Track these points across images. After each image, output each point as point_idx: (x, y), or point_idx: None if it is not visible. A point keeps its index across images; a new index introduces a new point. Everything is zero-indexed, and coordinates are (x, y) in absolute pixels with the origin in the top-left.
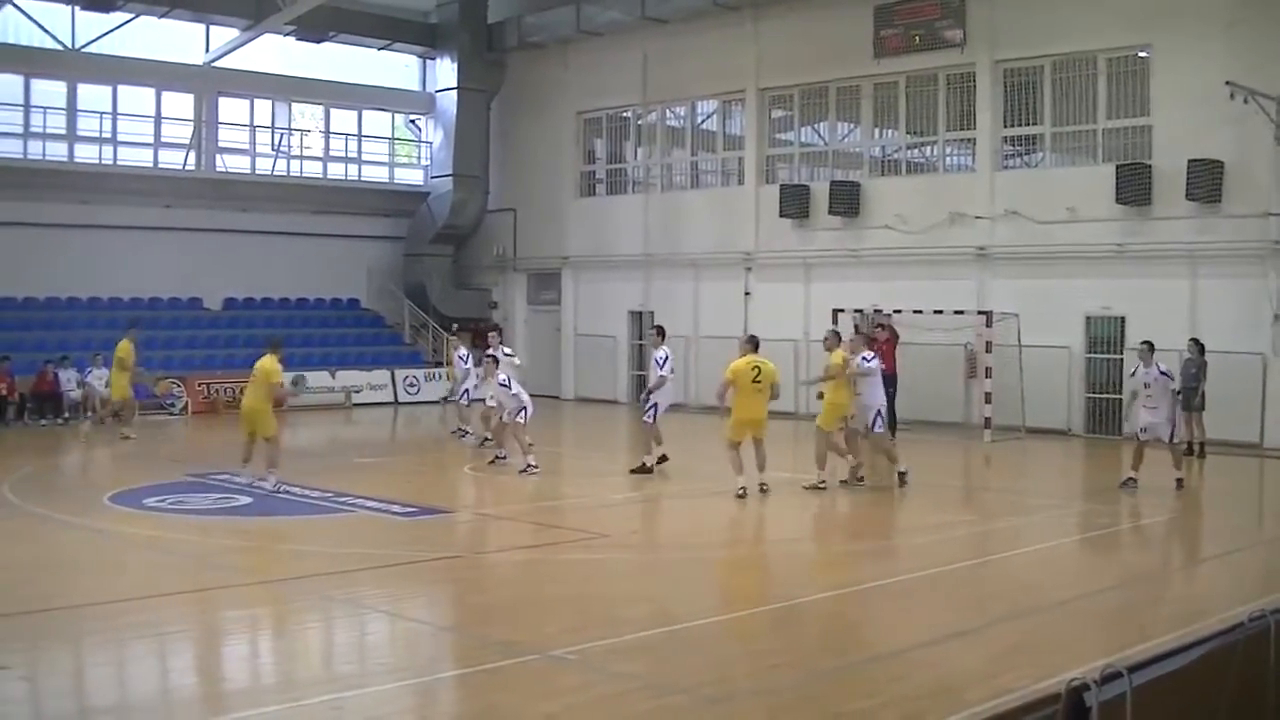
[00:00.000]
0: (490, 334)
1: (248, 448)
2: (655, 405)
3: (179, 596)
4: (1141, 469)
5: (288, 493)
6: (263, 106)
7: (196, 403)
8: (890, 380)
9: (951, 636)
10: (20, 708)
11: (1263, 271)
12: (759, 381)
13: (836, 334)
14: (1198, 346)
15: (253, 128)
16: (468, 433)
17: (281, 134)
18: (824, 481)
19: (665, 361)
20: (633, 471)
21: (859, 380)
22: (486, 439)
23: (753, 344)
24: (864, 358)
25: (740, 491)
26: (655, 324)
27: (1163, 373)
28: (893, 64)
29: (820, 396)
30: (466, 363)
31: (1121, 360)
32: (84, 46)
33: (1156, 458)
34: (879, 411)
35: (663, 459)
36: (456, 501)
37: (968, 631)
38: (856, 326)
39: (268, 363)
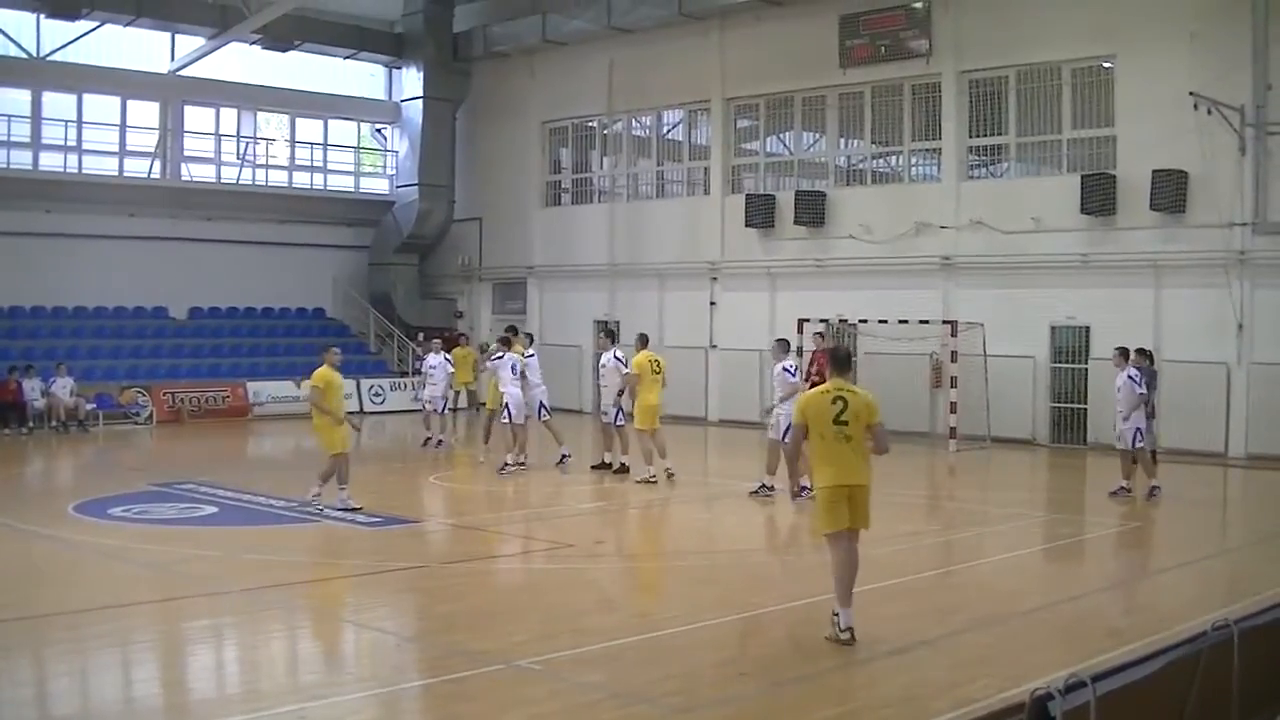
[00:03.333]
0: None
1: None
2: (619, 408)
3: (143, 606)
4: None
5: (253, 502)
6: (228, 115)
7: (161, 412)
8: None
9: (917, 646)
10: None
11: (1226, 281)
12: (844, 422)
13: (784, 342)
14: (1145, 356)
15: (218, 136)
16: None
17: (247, 143)
18: (654, 477)
19: (627, 363)
20: (616, 470)
21: (782, 388)
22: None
23: (644, 341)
24: (785, 367)
25: (843, 635)
26: (607, 328)
27: (1129, 377)
28: (858, 74)
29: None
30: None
31: (1087, 370)
32: (49, 54)
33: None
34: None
35: (605, 465)
36: (422, 511)
37: (933, 640)
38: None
39: (319, 370)
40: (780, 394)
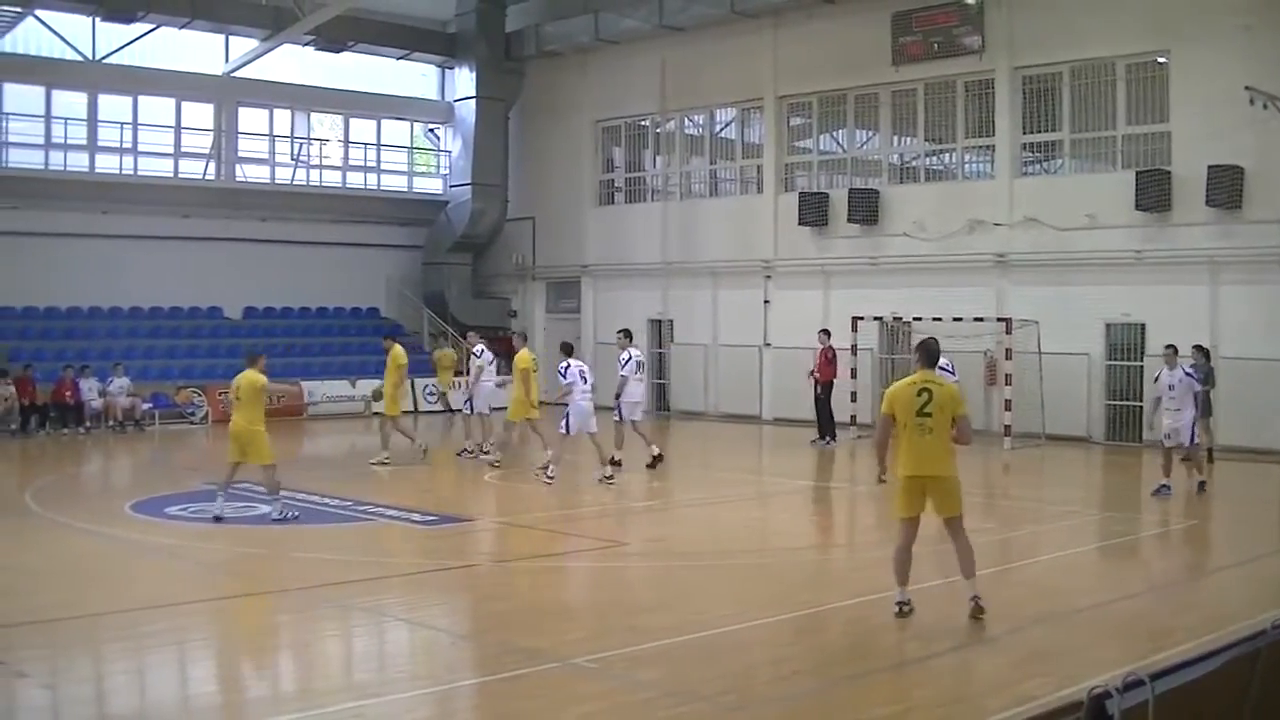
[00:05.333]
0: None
1: (233, 472)
2: (619, 406)
3: (199, 605)
4: (1173, 474)
5: (308, 501)
6: (282, 116)
7: (217, 412)
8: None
9: (972, 644)
10: (40, 715)
11: None
12: (927, 414)
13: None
14: (1203, 353)
15: (272, 137)
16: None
17: (301, 143)
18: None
19: (626, 363)
20: (648, 466)
21: None
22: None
23: (523, 339)
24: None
25: (900, 608)
26: (622, 328)
27: (1187, 373)
28: (911, 71)
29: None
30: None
31: (1142, 367)
32: (105, 57)
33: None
34: None
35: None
36: (476, 510)
37: (989, 639)
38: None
39: (252, 376)
40: None
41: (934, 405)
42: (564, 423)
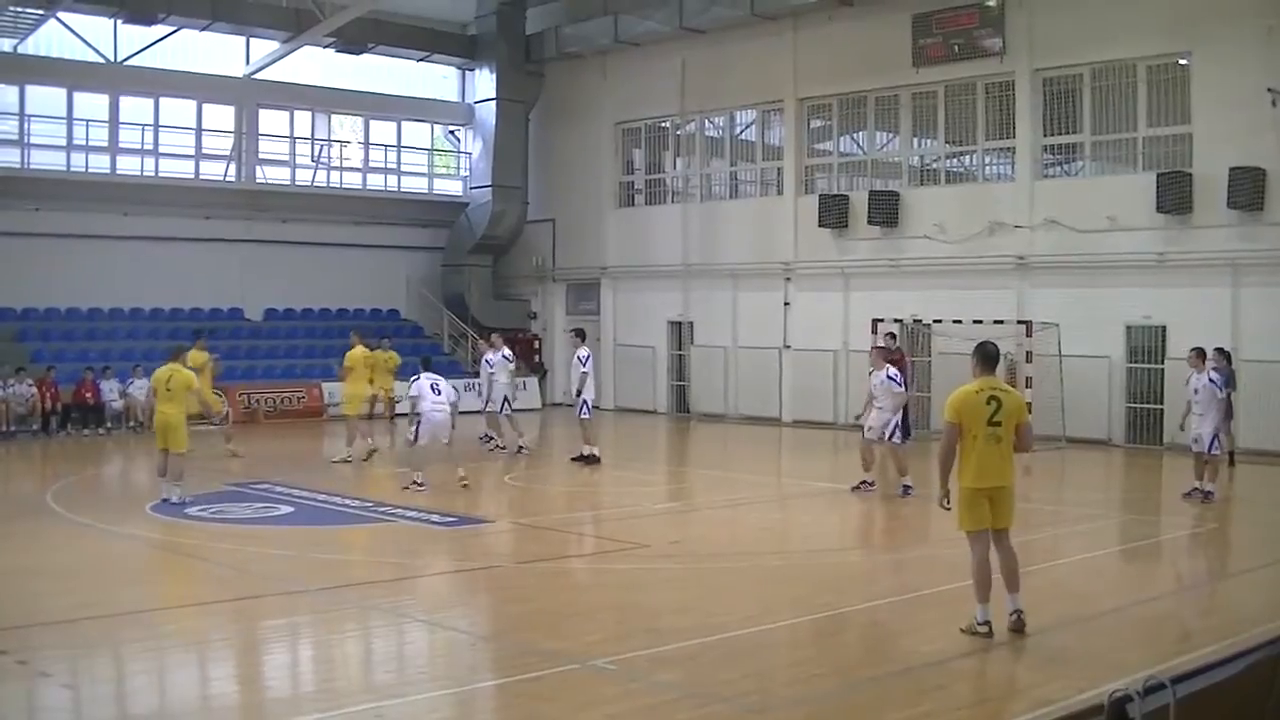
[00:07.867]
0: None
1: (165, 461)
2: (586, 402)
3: (219, 605)
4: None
5: (327, 502)
6: (303, 118)
7: (237, 413)
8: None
9: (993, 647)
10: (61, 715)
11: None
12: (998, 423)
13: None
14: (1224, 356)
15: (293, 139)
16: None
17: (321, 145)
18: (350, 458)
19: (587, 360)
20: (573, 460)
21: (886, 398)
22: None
23: (360, 336)
24: (889, 375)
25: (981, 628)
26: (574, 327)
27: (1210, 380)
28: (931, 73)
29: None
30: (491, 367)
31: (1163, 370)
32: (126, 59)
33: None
34: (894, 423)
35: (583, 457)
36: (496, 511)
37: (1009, 642)
38: (877, 345)
39: (187, 374)
40: (881, 403)
41: (1003, 414)
42: (413, 430)
